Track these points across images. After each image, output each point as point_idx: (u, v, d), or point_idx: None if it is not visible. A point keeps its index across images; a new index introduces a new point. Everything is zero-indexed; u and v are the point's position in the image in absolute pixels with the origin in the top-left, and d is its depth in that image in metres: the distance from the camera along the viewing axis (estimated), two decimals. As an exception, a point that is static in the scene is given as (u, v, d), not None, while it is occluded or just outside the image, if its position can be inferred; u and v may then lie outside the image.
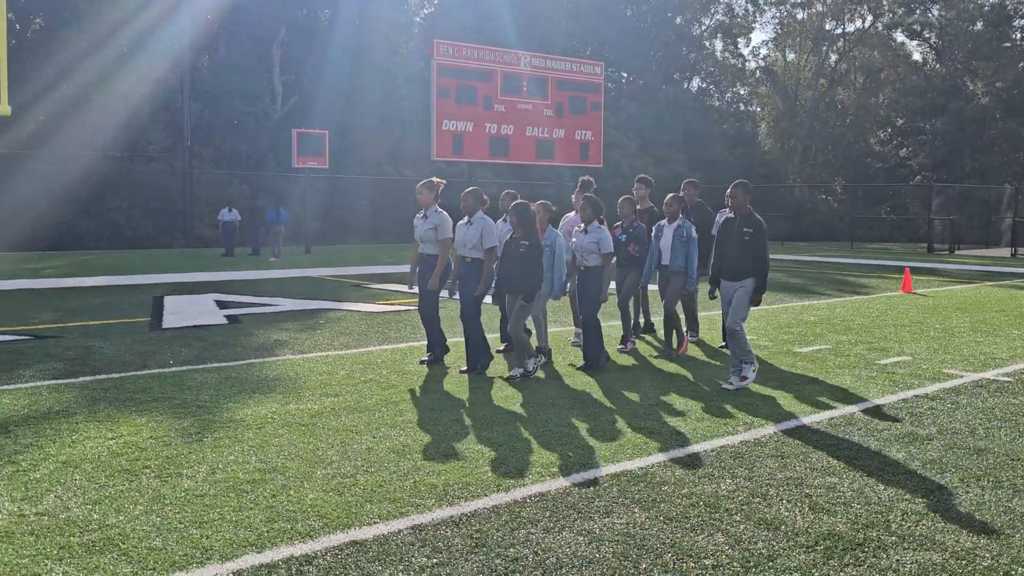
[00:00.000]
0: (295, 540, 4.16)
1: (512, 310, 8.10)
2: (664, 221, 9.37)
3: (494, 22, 41.58)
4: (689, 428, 6.33)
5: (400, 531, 4.30)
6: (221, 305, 13.52)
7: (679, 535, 4.29)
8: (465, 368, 8.32)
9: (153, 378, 7.90)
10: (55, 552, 3.98)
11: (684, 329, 9.86)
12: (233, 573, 3.79)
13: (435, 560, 3.96)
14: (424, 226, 8.55)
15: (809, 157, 56.95)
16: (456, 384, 7.81)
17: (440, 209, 8.56)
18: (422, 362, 8.74)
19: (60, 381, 7.77)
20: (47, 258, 25.18)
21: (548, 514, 4.55)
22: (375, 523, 4.40)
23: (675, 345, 9.46)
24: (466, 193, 8.42)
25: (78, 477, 5.06)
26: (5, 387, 7.46)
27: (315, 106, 37.93)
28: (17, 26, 34.32)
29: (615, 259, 9.27)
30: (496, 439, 5.96)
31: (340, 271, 20.98)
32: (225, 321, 11.78)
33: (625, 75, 54.54)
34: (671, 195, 9.34)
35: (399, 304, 13.85)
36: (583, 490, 4.94)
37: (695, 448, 5.81)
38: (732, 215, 7.85)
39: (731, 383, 7.69)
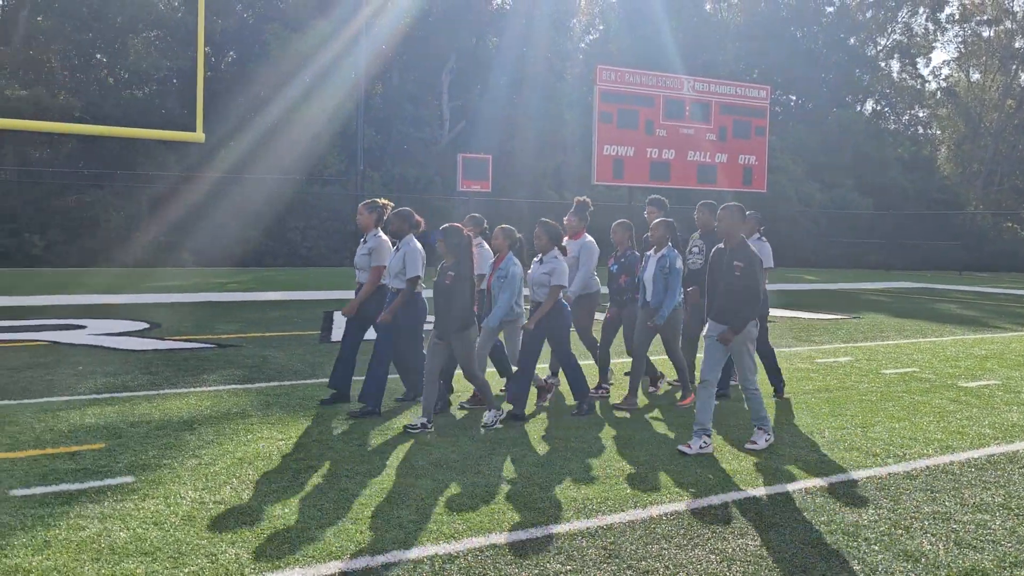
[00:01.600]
0: (440, 540, 4.46)
1: (431, 352, 6.97)
2: (651, 251, 8.01)
3: (658, 47, 41.59)
4: (836, 457, 6.24)
5: (537, 538, 4.52)
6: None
7: (813, 560, 4.29)
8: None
9: (320, 387, 8.48)
10: (228, 536, 4.44)
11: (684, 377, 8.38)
12: (382, 566, 4.12)
13: (568, 567, 4.15)
14: (360, 251, 7.75)
15: (994, 182, 53.55)
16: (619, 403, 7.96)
17: (381, 234, 7.66)
18: (322, 402, 7.76)
19: (239, 386, 8.48)
20: (233, 273, 27.12)
21: (682, 532, 4.65)
22: (515, 530, 4.64)
23: (679, 395, 8.47)
24: (392, 214, 7.58)
25: (251, 472, 5.57)
26: (192, 389, 8.22)
27: (480, 131, 39.10)
28: (212, 59, 37.28)
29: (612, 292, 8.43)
30: (638, 458, 6.09)
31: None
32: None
33: (793, 98, 53.18)
34: (658, 220, 7.99)
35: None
36: (718, 511, 5.00)
37: (838, 477, 5.73)
38: (723, 245, 6.65)
39: (690, 445, 6.33)
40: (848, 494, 5.38)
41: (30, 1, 35.74)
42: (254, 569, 4.03)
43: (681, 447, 6.32)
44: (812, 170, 46.54)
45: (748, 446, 6.47)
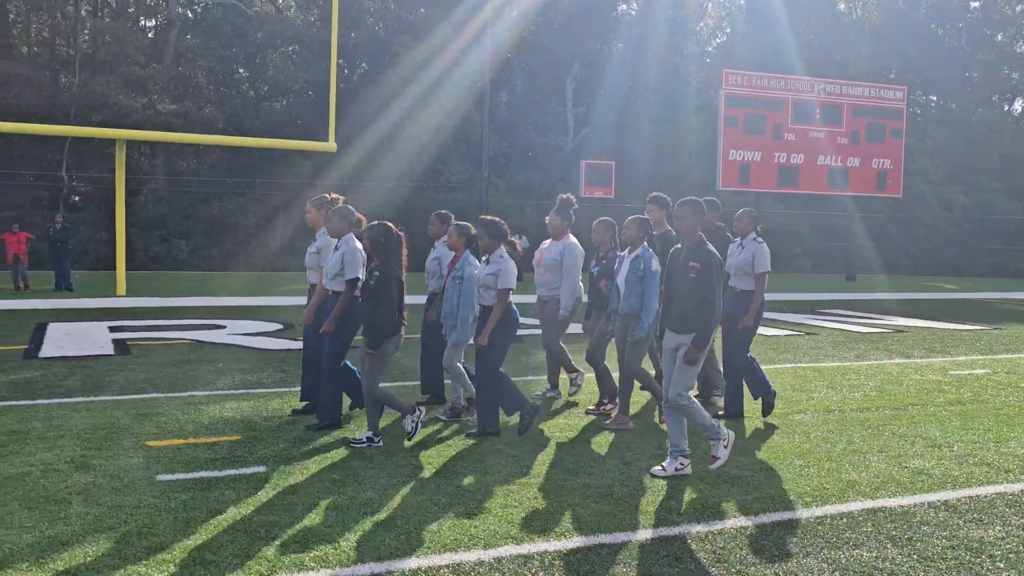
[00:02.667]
0: (550, 538, 4.57)
1: (361, 363, 6.52)
2: (625, 252, 7.31)
3: (786, 49, 40.59)
4: (965, 471, 6.01)
5: (646, 540, 4.57)
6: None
7: (930, 575, 4.19)
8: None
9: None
10: (352, 525, 4.68)
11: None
12: (494, 559, 4.27)
13: (677, 569, 4.19)
14: (310, 249, 7.42)
15: None
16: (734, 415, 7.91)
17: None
18: (294, 412, 7.48)
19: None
20: (361, 278, 28.03)
21: (795, 540, 4.61)
22: (624, 531, 4.70)
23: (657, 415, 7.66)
24: (331, 211, 7.02)
25: (372, 466, 5.83)
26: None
27: (603, 136, 39.12)
28: (345, 71, 38.66)
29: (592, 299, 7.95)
30: (752, 464, 6.05)
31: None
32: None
33: (934, 98, 50.87)
34: (631, 217, 7.27)
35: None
36: (835, 521, 4.93)
37: (965, 492, 5.53)
38: (681, 244, 6.01)
39: (664, 467, 5.83)
40: (975, 509, 5.20)
41: (179, 21, 37.99)
42: (375, 557, 4.24)
43: (654, 470, 5.81)
44: (955, 173, 44.45)
45: (711, 466, 5.80)
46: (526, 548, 4.42)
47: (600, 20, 40.71)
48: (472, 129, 37.28)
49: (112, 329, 12.83)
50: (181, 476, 5.48)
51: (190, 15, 39.72)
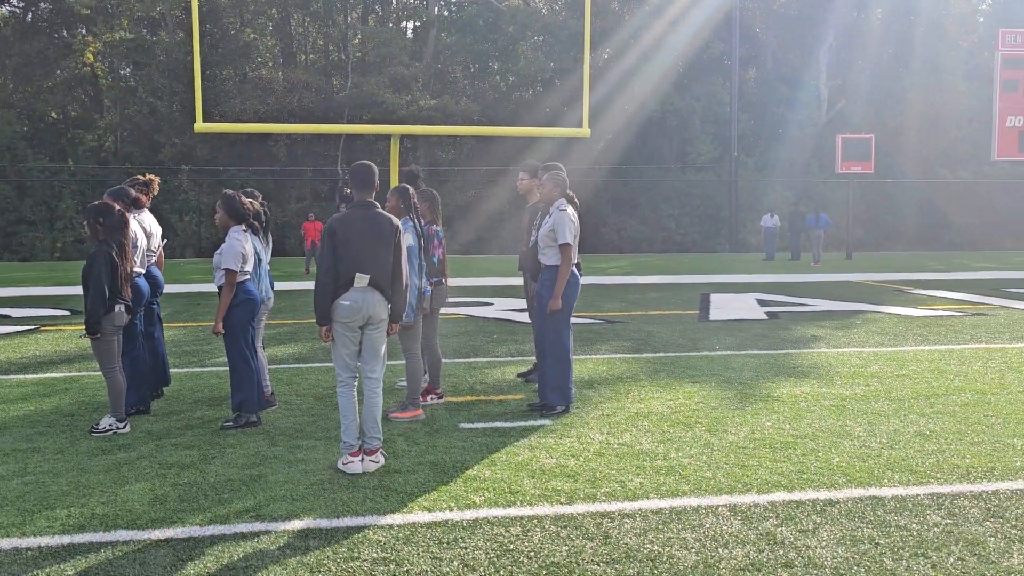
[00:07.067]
0: (820, 488, 4.87)
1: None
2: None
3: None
4: None
5: (918, 495, 4.75)
6: (762, 303, 14.49)
7: None
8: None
9: (702, 359, 9.11)
10: (633, 469, 5.23)
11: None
12: (768, 502, 4.64)
13: (949, 521, 4.36)
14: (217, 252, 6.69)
15: None
16: (997, 382, 7.70)
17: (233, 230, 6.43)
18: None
19: (628, 355, 9.38)
20: (610, 259, 28.73)
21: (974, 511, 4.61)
22: (895, 486, 4.90)
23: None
24: (217, 203, 6.57)
25: (646, 424, 6.35)
26: (589, 356, 9.27)
27: (861, 109, 37.26)
28: (605, 54, 39.40)
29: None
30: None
31: (882, 276, 20.65)
32: (765, 317, 12.71)
33: None
34: (393, 187, 6.85)
35: (942, 309, 13.47)
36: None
37: None
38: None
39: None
40: None
41: (437, 21, 40.39)
42: (657, 494, 4.75)
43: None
44: None
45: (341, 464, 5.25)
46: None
47: (856, -13, 38.68)
48: (721, 109, 36.84)
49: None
50: (479, 425, 6.30)
51: (446, 14, 42.09)
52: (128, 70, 37.50)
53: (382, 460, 5.33)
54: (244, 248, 6.31)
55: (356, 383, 5.38)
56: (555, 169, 7.03)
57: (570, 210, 6.79)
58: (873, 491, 4.83)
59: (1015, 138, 27.81)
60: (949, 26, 39.33)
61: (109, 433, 6.07)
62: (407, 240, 6.41)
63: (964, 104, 37.44)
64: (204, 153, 35.16)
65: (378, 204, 5.47)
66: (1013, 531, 4.23)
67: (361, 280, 5.24)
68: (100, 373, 6.46)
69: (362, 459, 5.24)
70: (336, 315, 5.26)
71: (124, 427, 6.16)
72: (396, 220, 5.47)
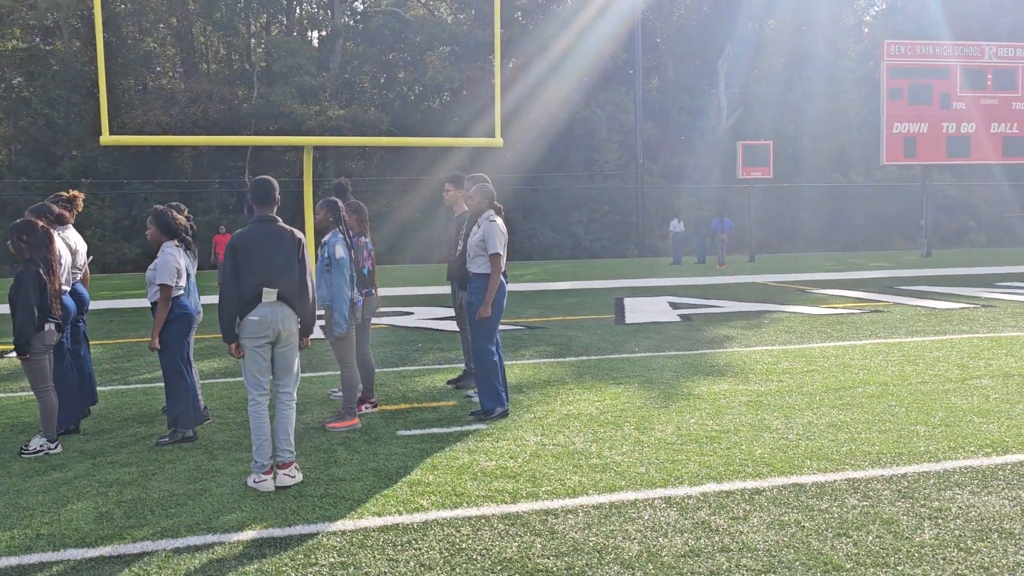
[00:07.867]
0: (747, 478, 5.18)
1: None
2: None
3: (951, 14, 38.81)
4: None
5: (836, 481, 5.11)
6: (674, 306, 14.98)
7: (1111, 509, 4.54)
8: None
9: (623, 361, 9.43)
10: (571, 467, 5.45)
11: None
12: (700, 493, 4.93)
13: (865, 502, 4.72)
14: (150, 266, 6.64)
15: None
16: (897, 374, 8.23)
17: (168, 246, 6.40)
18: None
19: (552, 360, 9.64)
20: (522, 266, 29.08)
21: (976, 482, 5.04)
22: (815, 474, 5.26)
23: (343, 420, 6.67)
24: (149, 218, 6.64)
25: (578, 424, 6.59)
26: (516, 362, 9.48)
27: (758, 117, 38.68)
28: (510, 64, 39.84)
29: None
30: (933, 421, 6.42)
31: (784, 277, 21.54)
32: (679, 319, 13.17)
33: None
34: (322, 200, 6.89)
35: (842, 307, 14.18)
36: (1019, 468, 5.30)
37: None
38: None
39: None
40: None
41: (343, 30, 40.16)
42: (596, 490, 4.99)
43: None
44: None
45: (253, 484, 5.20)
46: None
47: (751, -1, 40.19)
48: (625, 117, 37.70)
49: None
50: (416, 432, 6.42)
51: (352, 23, 41.90)
52: (20, 80, 36.17)
53: (298, 476, 5.24)
54: (179, 263, 6.31)
55: (267, 400, 5.35)
56: (482, 181, 7.24)
57: (499, 220, 7.00)
58: (795, 479, 5.17)
59: (901, 143, 29.35)
60: (838, 37, 41.22)
61: (41, 454, 5.97)
62: (338, 252, 6.53)
63: (854, 111, 39.31)
64: (106, 166, 34.18)
65: (279, 219, 5.43)
66: (923, 510, 4.61)
67: (269, 295, 5.20)
68: (18, 394, 6.35)
69: (275, 476, 5.20)
70: (245, 332, 5.21)
71: (55, 447, 6.06)
72: (299, 233, 5.44)
